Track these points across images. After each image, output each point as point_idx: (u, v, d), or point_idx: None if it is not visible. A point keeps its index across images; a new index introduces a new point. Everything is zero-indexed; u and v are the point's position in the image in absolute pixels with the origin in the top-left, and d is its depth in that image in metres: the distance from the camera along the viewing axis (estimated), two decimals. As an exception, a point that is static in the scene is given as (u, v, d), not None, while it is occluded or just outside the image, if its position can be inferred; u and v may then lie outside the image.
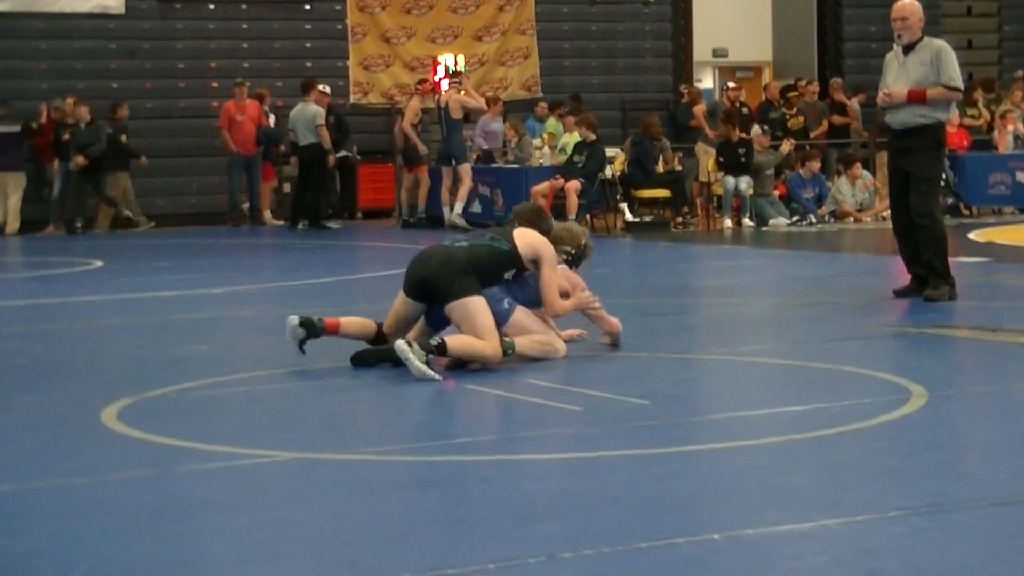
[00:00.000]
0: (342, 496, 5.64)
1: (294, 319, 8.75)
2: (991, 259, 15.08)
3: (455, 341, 8.43)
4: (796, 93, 24.90)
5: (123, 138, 22.96)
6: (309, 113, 22.40)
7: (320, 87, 22.75)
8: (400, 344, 8.24)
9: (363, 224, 24.19)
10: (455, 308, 8.47)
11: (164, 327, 11.10)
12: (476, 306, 8.45)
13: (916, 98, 11.38)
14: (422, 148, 22.43)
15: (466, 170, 21.88)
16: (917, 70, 11.43)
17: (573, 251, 9.39)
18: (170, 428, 6.93)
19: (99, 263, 17.16)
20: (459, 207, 21.79)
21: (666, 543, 4.75)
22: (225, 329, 11.13)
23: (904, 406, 7.11)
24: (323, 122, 22.34)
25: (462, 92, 22.25)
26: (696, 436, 6.65)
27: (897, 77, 11.55)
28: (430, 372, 8.15)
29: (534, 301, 8.89)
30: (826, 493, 5.53)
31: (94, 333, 10.83)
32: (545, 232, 9.08)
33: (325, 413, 7.52)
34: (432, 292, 8.57)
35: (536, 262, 8.81)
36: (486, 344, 8.40)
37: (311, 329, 8.75)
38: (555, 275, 8.85)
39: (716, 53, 29.35)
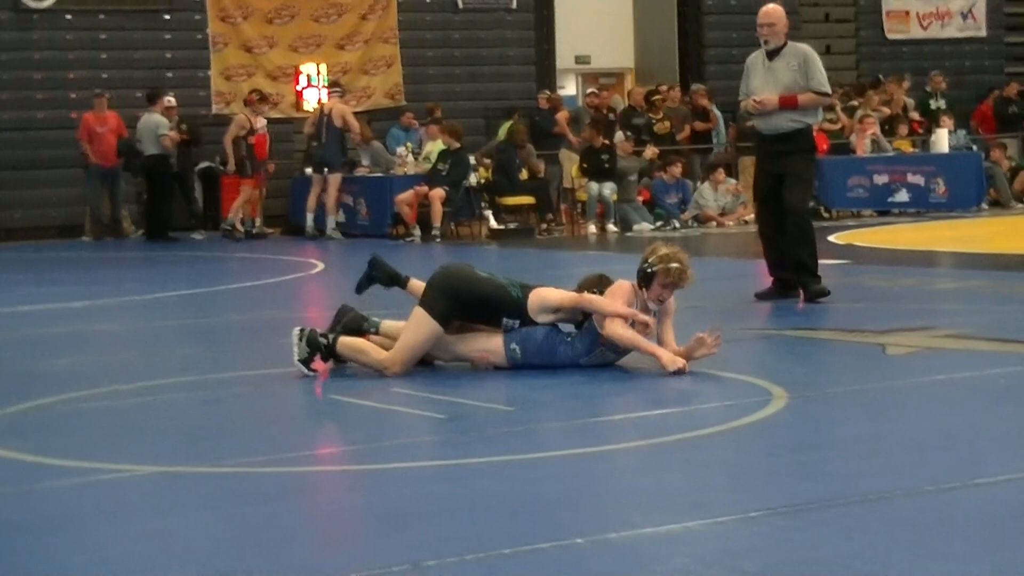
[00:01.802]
0: (208, 508, 5.59)
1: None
2: (850, 261, 15.29)
3: (345, 344, 8.47)
4: (661, 97, 25.10)
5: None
6: (153, 123, 22.27)
7: (167, 99, 22.60)
8: (295, 330, 8.42)
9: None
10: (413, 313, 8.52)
11: (22, 342, 10.92)
12: (418, 319, 8.44)
13: (788, 104, 11.50)
14: (230, 167, 22.19)
15: (336, 180, 21.80)
16: (786, 75, 11.54)
17: (641, 266, 8.43)
18: (31, 444, 6.82)
19: (-43, 278, 16.86)
20: (331, 220, 21.72)
21: (531, 548, 4.76)
22: (87, 343, 10.97)
23: (766, 408, 7.19)
24: (167, 132, 22.21)
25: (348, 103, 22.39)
26: (561, 441, 6.68)
27: (765, 82, 11.63)
28: (303, 368, 8.30)
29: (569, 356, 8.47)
30: (690, 495, 5.58)
31: (-49, 349, 10.63)
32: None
33: (189, 426, 7.45)
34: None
35: (568, 313, 8.47)
36: (382, 354, 8.44)
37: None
38: (616, 314, 8.29)
39: (579, 60, 29.50)
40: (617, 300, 8.38)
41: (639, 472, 6.08)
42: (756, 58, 11.88)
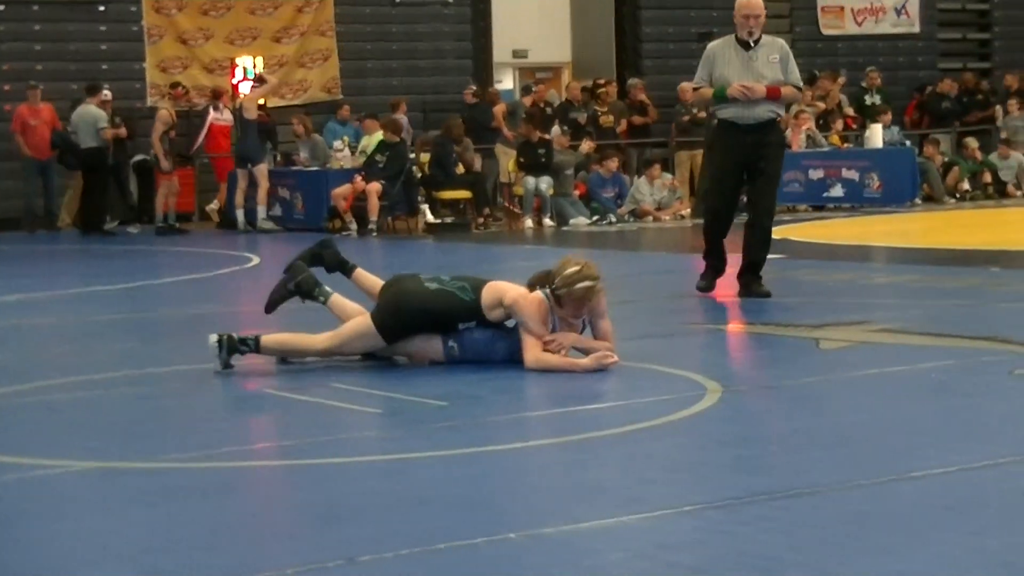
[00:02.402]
0: (143, 504, 5.56)
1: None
2: (785, 256, 15.36)
3: (269, 339, 8.47)
4: (605, 91, 25.20)
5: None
6: (91, 116, 22.11)
7: (104, 94, 22.45)
8: (212, 338, 8.36)
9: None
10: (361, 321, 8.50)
11: (-44, 336, 10.83)
12: (364, 329, 8.43)
13: (773, 95, 11.45)
14: (165, 164, 22.05)
15: (262, 172, 21.73)
16: (768, 67, 11.44)
17: (553, 285, 8.27)
18: (-38, 440, 6.77)
19: None
20: (262, 210, 21.65)
21: (466, 543, 4.77)
22: (20, 337, 10.89)
23: (700, 402, 7.22)
24: (105, 125, 22.06)
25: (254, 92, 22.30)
26: (497, 436, 6.68)
27: (744, 73, 11.44)
28: (221, 366, 8.32)
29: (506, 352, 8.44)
30: (625, 489, 5.59)
31: None
32: (548, 273, 8.40)
33: (125, 421, 7.41)
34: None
35: (512, 315, 8.39)
36: (309, 340, 8.46)
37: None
38: (530, 334, 8.25)
39: (516, 54, 29.52)
40: (535, 322, 8.28)
41: (574, 467, 6.10)
42: (725, 47, 11.63)
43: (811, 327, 9.61)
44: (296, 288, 8.75)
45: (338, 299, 8.72)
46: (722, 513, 5.16)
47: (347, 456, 6.29)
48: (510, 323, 8.48)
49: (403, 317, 8.42)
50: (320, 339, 8.50)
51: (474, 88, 25.10)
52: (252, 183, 21.89)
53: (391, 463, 6.14)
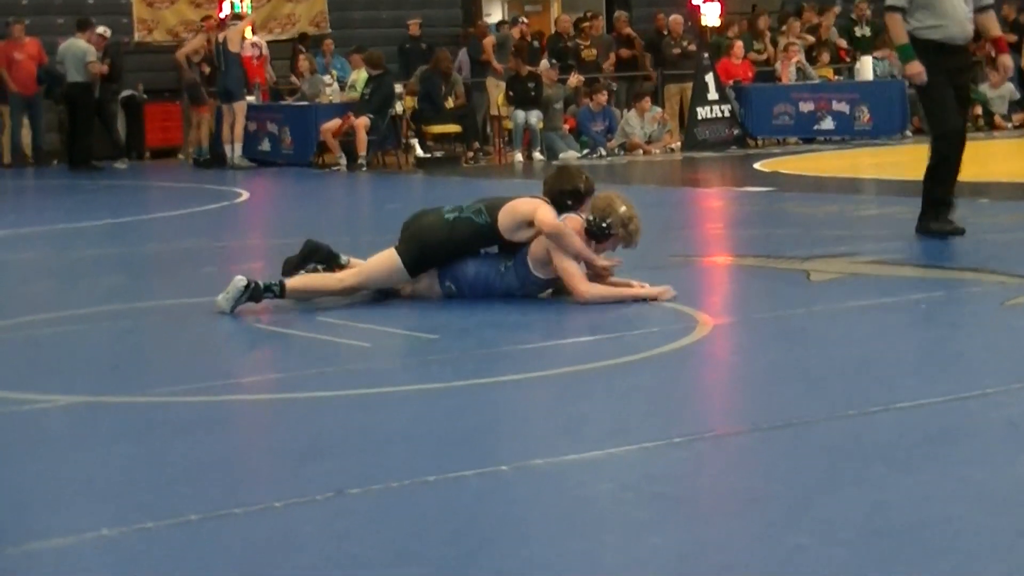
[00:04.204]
0: (127, 439, 5.56)
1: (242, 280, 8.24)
2: (775, 188, 15.37)
3: (294, 282, 8.34)
4: (589, 24, 25.08)
5: None
6: (79, 50, 21.91)
7: (100, 30, 22.28)
8: (240, 280, 8.12)
9: (151, 164, 23.76)
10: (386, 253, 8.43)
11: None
12: (389, 262, 8.35)
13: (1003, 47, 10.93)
14: (203, 96, 22.01)
15: (240, 108, 21.57)
16: None
17: (598, 222, 8.18)
18: (-51, 375, 6.76)
19: None
20: (238, 148, 21.53)
21: (455, 476, 4.77)
22: (4, 273, 10.86)
23: (690, 334, 7.21)
24: (94, 59, 21.88)
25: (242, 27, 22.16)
26: (485, 369, 6.67)
27: None
28: (228, 308, 8.11)
29: (517, 287, 8.34)
30: (613, 422, 5.60)
31: None
32: (576, 193, 8.41)
33: (110, 356, 7.40)
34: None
35: (535, 236, 8.19)
36: (334, 279, 8.37)
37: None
38: (571, 261, 8.13)
39: (505, -13, 29.37)
40: (582, 246, 8.17)
41: (563, 399, 6.10)
42: None
43: (801, 259, 9.60)
44: (318, 262, 8.54)
45: (356, 262, 8.61)
46: (708, 444, 5.17)
47: (335, 390, 6.28)
48: (489, 251, 8.38)
49: (426, 249, 8.34)
50: (344, 276, 8.41)
51: (419, 21, 24.84)
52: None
53: (379, 396, 6.13)
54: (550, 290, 8.39)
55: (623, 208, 8.24)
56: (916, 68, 10.40)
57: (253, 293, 8.17)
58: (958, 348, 6.94)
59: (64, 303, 8.76)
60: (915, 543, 4.05)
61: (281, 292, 8.27)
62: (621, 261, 8.41)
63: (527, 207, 8.26)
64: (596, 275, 8.24)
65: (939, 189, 10.59)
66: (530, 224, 8.20)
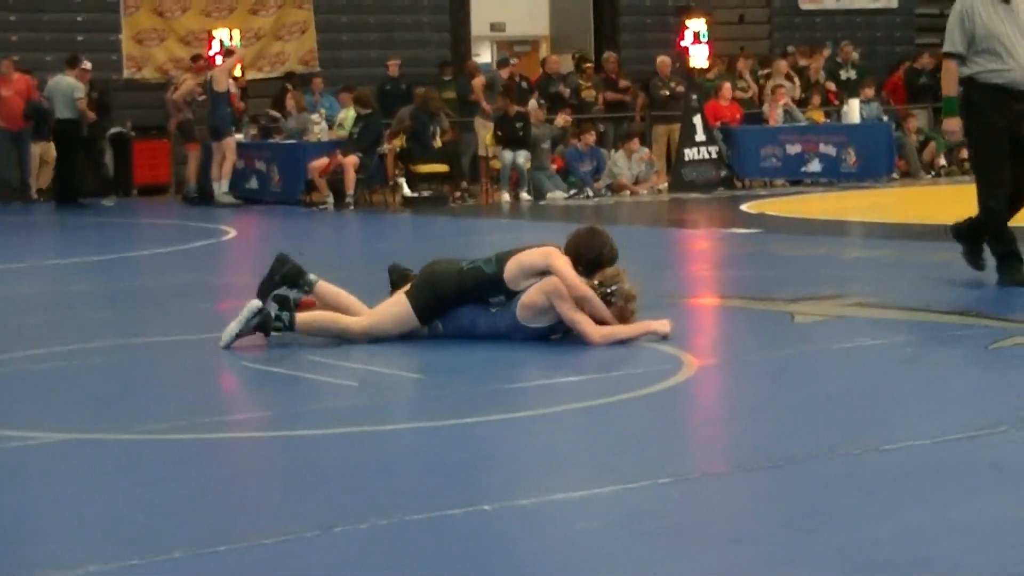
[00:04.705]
0: (115, 475, 5.57)
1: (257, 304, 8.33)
2: (762, 230, 15.41)
3: (304, 317, 8.35)
4: (591, 65, 25.24)
5: None
6: (68, 86, 21.94)
7: (84, 65, 22.32)
8: (255, 303, 8.20)
9: (139, 201, 23.77)
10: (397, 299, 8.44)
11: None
12: (400, 309, 8.34)
13: None
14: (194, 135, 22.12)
15: (228, 145, 21.61)
16: None
17: (603, 289, 8.29)
18: (-64, 410, 6.76)
19: None
20: (225, 184, 21.55)
21: (441, 514, 4.78)
22: (-5, 309, 10.86)
23: (676, 375, 7.24)
24: (83, 96, 21.91)
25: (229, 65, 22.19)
26: (472, 408, 6.69)
27: (1011, 27, 9.92)
28: (228, 340, 8.15)
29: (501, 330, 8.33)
30: (599, 461, 5.62)
31: None
32: (596, 261, 8.46)
33: (99, 392, 7.40)
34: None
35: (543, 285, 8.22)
36: (348, 320, 8.33)
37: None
38: (568, 302, 8.15)
39: (494, 27, 29.44)
40: (602, 307, 8.24)
41: (549, 438, 6.12)
42: (982, 2, 9.96)
43: (786, 301, 9.64)
44: (283, 280, 8.54)
45: (324, 285, 8.60)
46: (694, 484, 5.19)
47: (322, 428, 6.29)
48: (496, 301, 8.38)
49: (437, 296, 8.33)
50: (355, 321, 8.38)
51: (398, 62, 24.93)
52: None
53: (366, 434, 6.15)
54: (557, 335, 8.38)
55: (627, 285, 8.33)
56: (954, 126, 10.24)
57: (263, 320, 8.20)
58: (943, 390, 6.96)
59: (52, 339, 8.76)
60: (899, 584, 4.07)
61: (291, 324, 8.28)
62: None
63: (537, 258, 8.29)
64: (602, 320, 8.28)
65: (997, 244, 10.25)
66: (540, 274, 8.24)
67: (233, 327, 8.20)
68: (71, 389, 7.48)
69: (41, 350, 8.47)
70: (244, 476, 5.66)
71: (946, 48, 10.14)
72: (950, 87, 10.23)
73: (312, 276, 8.60)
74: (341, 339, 8.35)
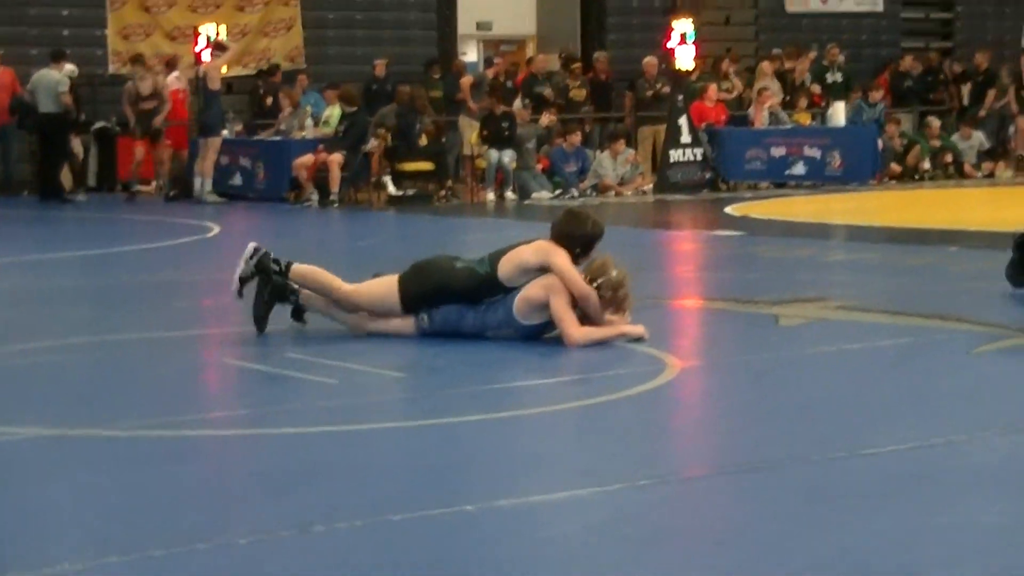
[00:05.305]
0: (95, 472, 5.54)
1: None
2: (746, 232, 15.40)
3: (299, 267, 8.47)
4: (579, 64, 25.20)
5: None
6: (52, 80, 21.82)
7: (68, 68, 22.20)
8: (250, 245, 8.42)
9: (122, 196, 23.64)
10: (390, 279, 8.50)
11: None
12: (390, 290, 8.39)
13: None
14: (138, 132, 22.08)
15: (215, 144, 21.49)
16: None
17: (588, 282, 8.21)
18: (-85, 405, 6.72)
19: None
20: (208, 182, 21.46)
21: (420, 515, 4.76)
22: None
23: (658, 377, 7.23)
24: (67, 90, 21.81)
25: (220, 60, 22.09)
26: (453, 408, 6.67)
27: None
28: (238, 286, 8.38)
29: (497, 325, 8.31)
30: (580, 463, 5.60)
31: None
32: (586, 239, 8.39)
33: (80, 389, 7.37)
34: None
35: (537, 279, 8.18)
36: (339, 283, 8.42)
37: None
38: (563, 299, 8.09)
39: (480, 26, 29.41)
40: (583, 282, 8.19)
41: (531, 439, 6.10)
42: None
43: (770, 303, 9.63)
44: (257, 268, 8.51)
45: (298, 266, 8.58)
46: (675, 487, 5.18)
47: (302, 426, 6.27)
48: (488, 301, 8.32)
49: (426, 286, 8.35)
50: (345, 285, 8.46)
51: (384, 61, 24.88)
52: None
53: (346, 434, 6.13)
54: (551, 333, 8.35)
55: (615, 273, 8.25)
56: None
57: (261, 258, 8.38)
58: (925, 395, 6.96)
59: (33, 335, 8.73)
60: (879, 589, 4.06)
61: (286, 270, 8.41)
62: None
63: (532, 254, 8.24)
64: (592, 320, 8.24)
65: None
66: (539, 270, 8.19)
67: (236, 274, 8.40)
68: (50, 385, 7.44)
69: (21, 345, 8.43)
70: (223, 474, 5.64)
71: None
72: None
73: (284, 259, 8.61)
74: (326, 296, 8.45)
